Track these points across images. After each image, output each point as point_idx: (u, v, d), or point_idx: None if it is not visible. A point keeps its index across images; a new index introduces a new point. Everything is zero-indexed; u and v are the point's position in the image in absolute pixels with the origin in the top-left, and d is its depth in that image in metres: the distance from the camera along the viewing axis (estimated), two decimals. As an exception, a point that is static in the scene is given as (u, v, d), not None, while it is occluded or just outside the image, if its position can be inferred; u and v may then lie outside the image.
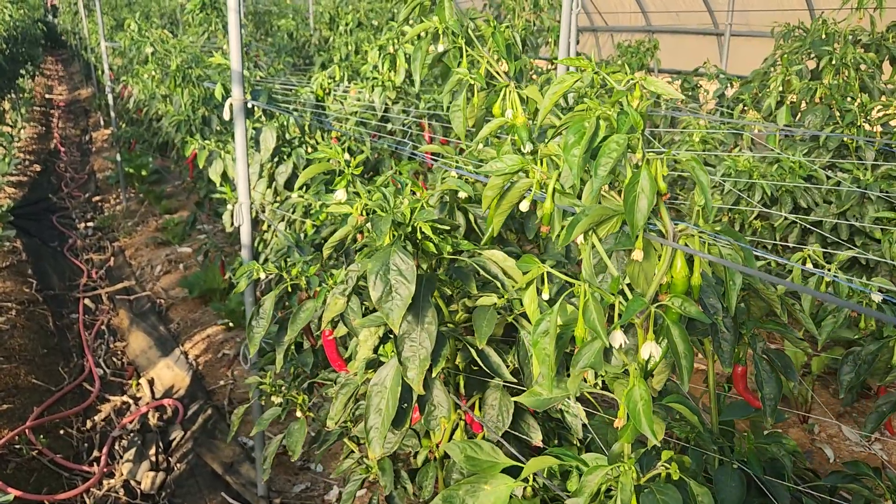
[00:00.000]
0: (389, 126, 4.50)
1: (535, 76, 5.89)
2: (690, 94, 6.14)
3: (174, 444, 4.92)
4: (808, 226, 4.15)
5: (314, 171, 2.05)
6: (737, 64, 8.66)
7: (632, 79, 1.27)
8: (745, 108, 5.12)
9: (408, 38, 1.99)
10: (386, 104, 4.52)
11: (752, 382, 2.43)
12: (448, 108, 2.10)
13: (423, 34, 2.04)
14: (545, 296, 1.30)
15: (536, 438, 2.22)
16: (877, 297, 2.15)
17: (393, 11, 6.95)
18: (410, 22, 2.21)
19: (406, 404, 2.03)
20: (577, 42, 7.15)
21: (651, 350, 1.20)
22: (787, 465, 1.93)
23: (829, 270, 2.21)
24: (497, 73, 2.10)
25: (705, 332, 2.01)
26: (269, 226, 4.05)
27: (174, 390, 5.61)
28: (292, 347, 3.32)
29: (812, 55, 5.33)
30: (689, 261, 1.34)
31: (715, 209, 4.59)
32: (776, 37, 6.07)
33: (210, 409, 5.14)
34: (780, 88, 4.72)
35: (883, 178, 4.13)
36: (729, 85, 5.94)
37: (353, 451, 2.77)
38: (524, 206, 1.33)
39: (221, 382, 5.53)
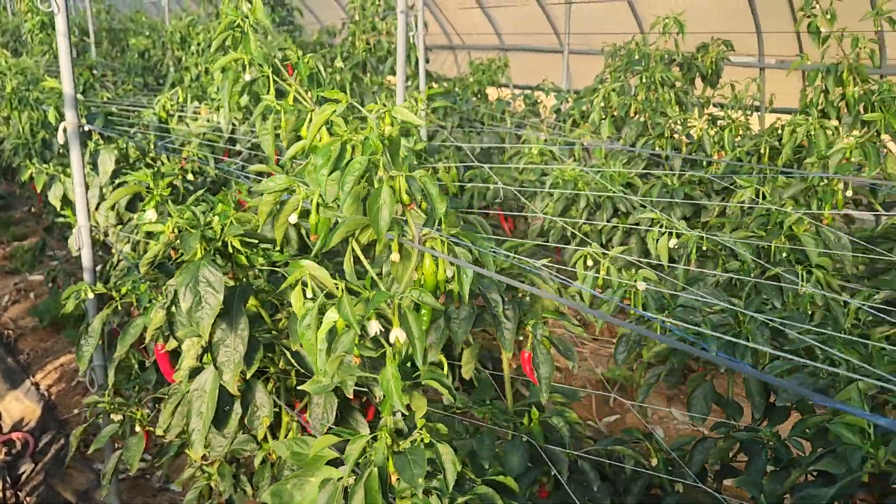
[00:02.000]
0: (238, 147, 4.61)
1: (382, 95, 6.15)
2: (531, 108, 6.59)
3: (24, 477, 4.77)
4: (628, 226, 4.61)
5: (123, 193, 2.18)
6: (580, 80, 9.32)
7: (382, 108, 1.51)
8: (575, 122, 5.59)
9: (215, 68, 2.17)
10: (233, 124, 4.63)
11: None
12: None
13: (232, 64, 2.22)
14: (309, 294, 1.51)
15: (363, 431, 2.42)
16: (641, 287, 2.52)
17: (271, 29, 7.04)
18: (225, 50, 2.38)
19: (227, 407, 2.19)
20: (428, 61, 7.49)
21: (398, 335, 1.43)
22: (565, 434, 2.23)
23: (604, 265, 2.57)
24: (304, 99, 2.31)
25: (492, 324, 2.29)
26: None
27: (24, 423, 5.42)
28: (135, 365, 3.38)
29: (635, 73, 5.89)
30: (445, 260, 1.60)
31: (549, 213, 4.99)
32: (605, 56, 6.64)
33: (63, 438, 5.02)
34: (602, 104, 5.21)
35: (686, 183, 4.66)
36: (565, 100, 6.44)
37: (195, 461, 2.87)
38: (293, 220, 1.54)
39: (76, 411, 5.40)
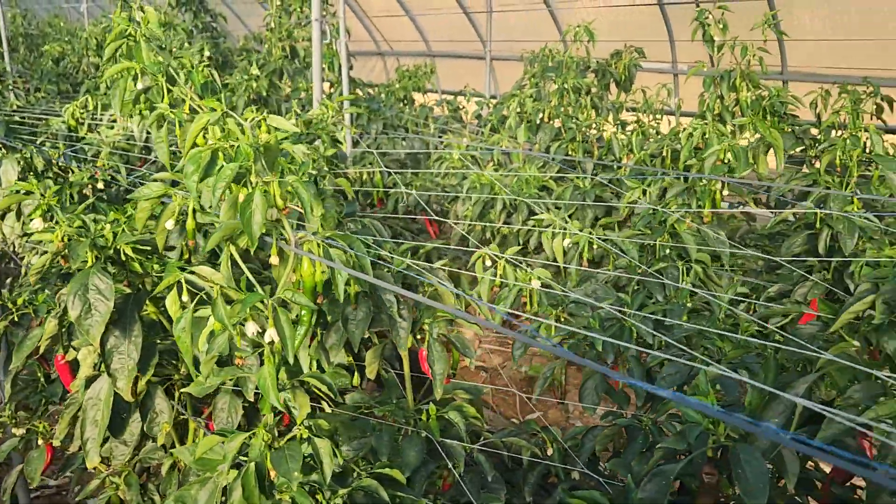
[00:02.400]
0: (154, 155, 4.56)
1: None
2: (454, 115, 6.71)
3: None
4: (542, 230, 4.75)
5: (7, 202, 2.17)
6: (505, 86, 9.51)
7: (257, 118, 1.57)
8: (494, 128, 5.73)
9: (105, 77, 2.18)
10: (148, 132, 4.57)
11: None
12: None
13: (124, 73, 2.24)
14: (185, 298, 1.56)
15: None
16: (535, 285, 2.63)
17: (163, 39, 6.95)
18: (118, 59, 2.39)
19: (125, 414, 2.20)
20: (352, 67, 7.53)
21: (272, 335, 1.49)
22: (461, 428, 2.32)
23: (500, 265, 2.67)
24: (200, 107, 2.34)
25: (389, 324, 2.36)
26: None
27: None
28: (41, 378, 3.32)
29: (551, 79, 6.07)
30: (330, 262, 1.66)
31: (468, 217, 5.10)
32: (525, 62, 6.82)
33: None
34: (518, 109, 5.35)
35: (597, 185, 4.84)
36: (486, 105, 6.58)
37: (100, 472, 2.85)
38: (170, 226, 1.59)
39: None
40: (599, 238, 3.00)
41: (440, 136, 6.62)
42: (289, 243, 1.57)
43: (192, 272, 1.96)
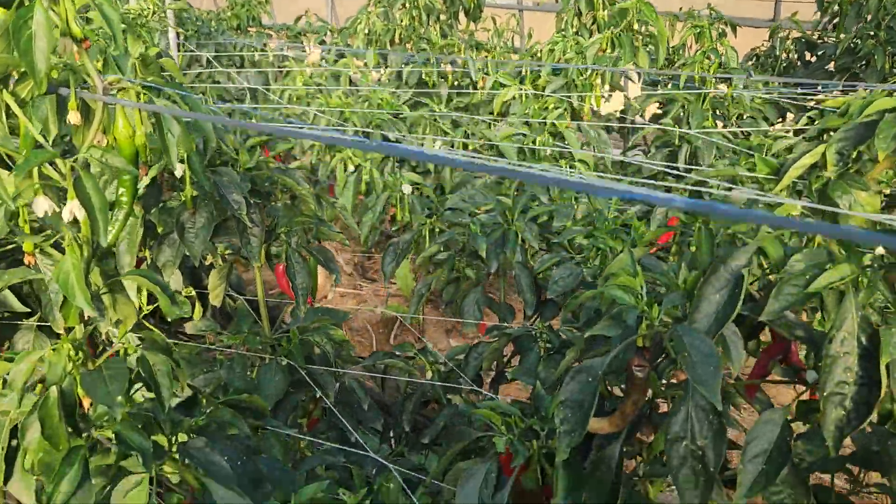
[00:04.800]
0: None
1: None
2: (295, 41, 6.17)
3: None
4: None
5: None
6: (348, 14, 9.00)
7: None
8: (342, 54, 5.29)
9: None
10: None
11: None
12: None
13: None
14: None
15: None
16: (407, 190, 2.31)
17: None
18: None
19: None
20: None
21: (74, 210, 1.06)
22: (329, 352, 1.98)
23: (367, 169, 2.32)
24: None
25: (237, 232, 1.95)
26: None
27: None
28: None
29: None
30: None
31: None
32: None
33: None
34: (366, 31, 4.95)
35: (456, 108, 4.58)
36: (328, 33, 6.10)
37: None
38: None
39: None
40: (475, 139, 2.73)
41: (279, 69, 6.06)
42: (94, 92, 1.13)
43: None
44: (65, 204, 1.07)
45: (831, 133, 1.25)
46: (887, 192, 1.44)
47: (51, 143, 1.18)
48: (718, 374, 1.11)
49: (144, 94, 1.17)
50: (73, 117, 1.16)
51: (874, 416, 1.32)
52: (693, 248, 1.43)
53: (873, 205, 1.19)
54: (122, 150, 1.18)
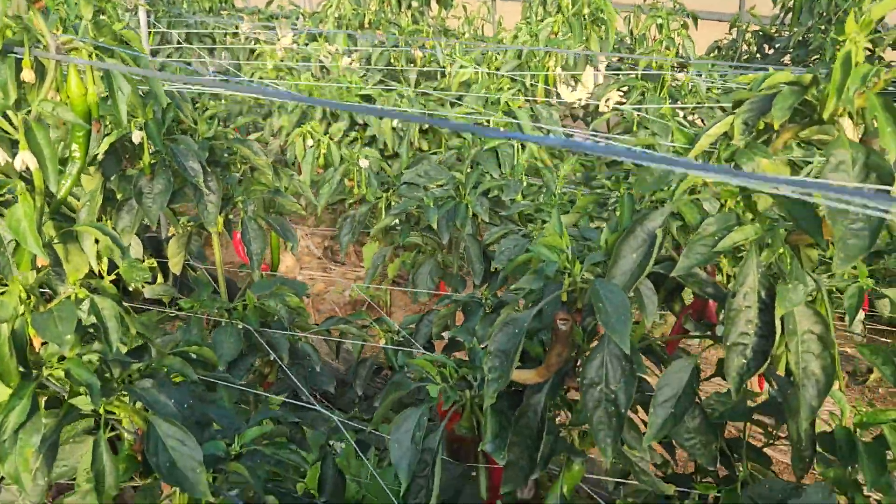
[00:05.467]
0: None
1: None
2: (268, 22, 6.20)
3: None
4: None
5: None
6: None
7: None
8: (313, 37, 5.33)
9: None
10: None
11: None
12: None
13: None
14: None
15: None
16: (363, 164, 2.39)
17: None
18: None
19: None
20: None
21: (26, 160, 1.13)
22: (283, 317, 2.06)
23: (325, 143, 2.40)
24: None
25: (194, 198, 2.02)
26: None
27: None
28: None
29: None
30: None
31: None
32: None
33: None
34: (337, 14, 5.00)
35: (421, 94, 4.65)
36: (299, 17, 6.13)
37: None
38: None
39: None
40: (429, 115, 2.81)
41: (252, 49, 6.08)
42: (48, 51, 1.19)
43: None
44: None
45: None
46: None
47: (11, 104, 1.24)
48: (629, 322, 1.21)
49: (97, 53, 1.24)
50: (27, 75, 1.22)
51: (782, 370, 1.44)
52: (617, 213, 1.53)
53: (776, 171, 1.29)
54: (75, 106, 1.25)
